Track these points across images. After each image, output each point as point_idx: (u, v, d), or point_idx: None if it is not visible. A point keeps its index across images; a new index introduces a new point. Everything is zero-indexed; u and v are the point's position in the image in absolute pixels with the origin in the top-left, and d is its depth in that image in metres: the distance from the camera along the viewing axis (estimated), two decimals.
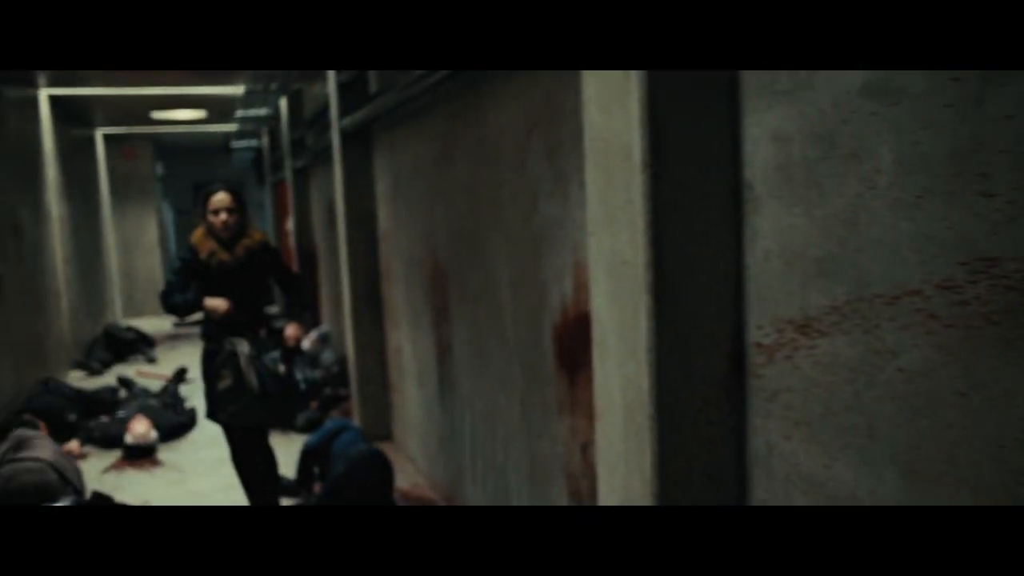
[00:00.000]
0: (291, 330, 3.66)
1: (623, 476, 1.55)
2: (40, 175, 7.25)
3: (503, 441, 2.82)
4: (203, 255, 3.59)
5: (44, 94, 7.53)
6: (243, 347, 3.41)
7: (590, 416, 2.17)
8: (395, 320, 4.40)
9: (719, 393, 1.46)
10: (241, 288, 3.61)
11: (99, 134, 11.02)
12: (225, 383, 3.36)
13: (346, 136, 4.57)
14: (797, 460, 1.33)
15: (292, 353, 3.58)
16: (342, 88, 4.55)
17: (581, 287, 2.16)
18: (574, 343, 2.21)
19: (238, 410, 3.36)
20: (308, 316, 3.80)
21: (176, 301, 3.58)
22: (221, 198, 3.59)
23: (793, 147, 1.29)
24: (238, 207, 3.63)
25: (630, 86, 1.41)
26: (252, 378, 3.32)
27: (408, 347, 4.13)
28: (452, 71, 2.71)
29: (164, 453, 5.09)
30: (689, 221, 1.42)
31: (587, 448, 2.20)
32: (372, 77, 4.42)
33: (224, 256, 3.59)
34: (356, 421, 4.68)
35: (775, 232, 1.35)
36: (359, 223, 4.61)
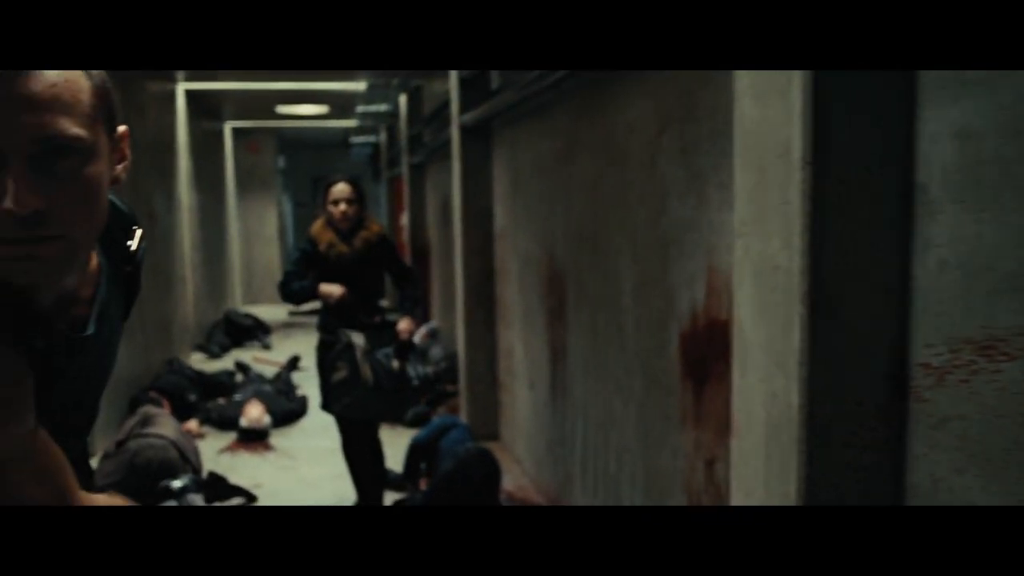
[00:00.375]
0: (404, 324, 3.67)
1: (762, 500, 1.43)
2: (174, 166, 7.58)
3: (617, 450, 2.72)
4: (322, 246, 3.64)
5: (181, 88, 7.87)
6: (359, 340, 3.42)
7: (718, 430, 2.05)
8: (507, 320, 4.35)
9: (877, 416, 1.33)
10: (357, 280, 3.62)
11: (227, 127, 11.47)
12: (340, 375, 3.38)
13: (465, 132, 4.56)
14: (971, 498, 1.19)
15: (405, 348, 3.58)
16: (463, 84, 4.54)
17: (714, 293, 2.03)
18: (703, 352, 2.09)
19: (352, 402, 3.38)
20: (420, 311, 3.81)
21: (293, 288, 3.65)
22: (341, 188, 3.67)
23: (984, 145, 1.14)
24: (358, 198, 3.70)
25: (791, 75, 1.29)
26: (367, 372, 3.34)
27: (520, 347, 4.08)
28: (579, 71, 2.62)
29: (276, 438, 5.21)
30: (852, 225, 1.29)
31: (712, 464, 2.08)
32: (493, 73, 4.39)
33: (342, 248, 3.65)
34: (464, 419, 4.66)
35: (954, 240, 1.21)
36: (475, 221, 4.59)
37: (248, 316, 9.32)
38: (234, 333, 8.76)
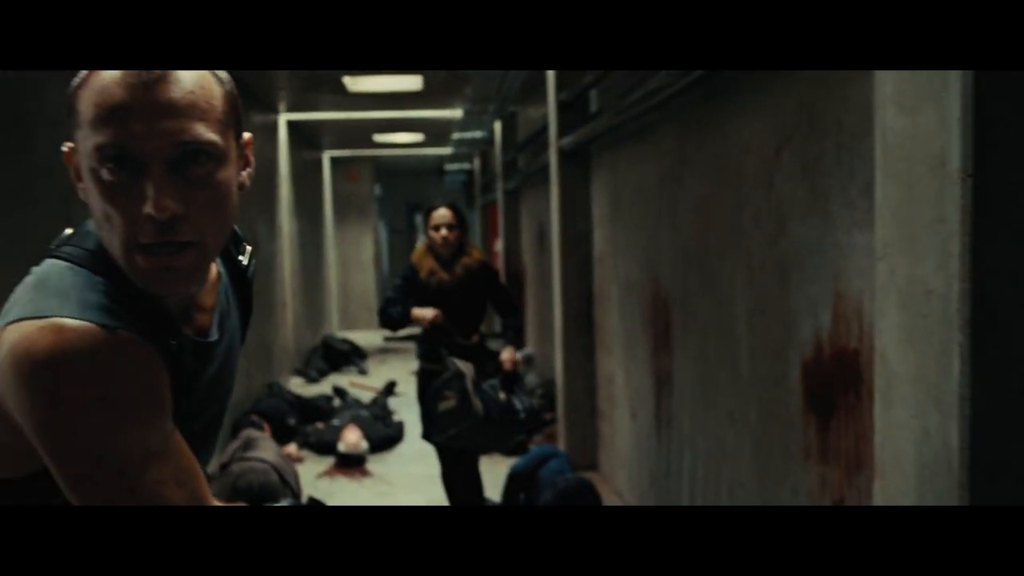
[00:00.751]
0: (508, 354, 3.61)
1: None
2: (275, 194, 7.79)
3: (729, 485, 2.57)
4: (422, 273, 3.63)
5: (283, 119, 8.10)
6: (468, 370, 3.35)
7: (847, 468, 1.90)
8: (607, 346, 4.24)
9: None
10: (458, 308, 3.58)
11: (326, 156, 11.76)
12: (447, 404, 3.30)
13: (564, 156, 4.50)
14: None
15: (511, 379, 3.51)
16: (561, 107, 4.49)
17: (841, 320, 1.89)
18: (830, 382, 1.95)
19: (459, 433, 3.31)
20: (522, 340, 3.73)
21: (391, 314, 3.62)
22: (442, 214, 3.63)
23: None
24: (458, 224, 3.66)
25: (947, 77, 1.17)
26: (477, 403, 3.26)
27: (621, 375, 3.96)
28: (694, 78, 2.53)
29: (373, 464, 5.21)
30: (1020, 244, 1.16)
31: (841, 504, 1.92)
32: (593, 95, 4.32)
33: (443, 275, 3.61)
34: (562, 447, 4.55)
35: None
36: (574, 245, 4.51)
37: (345, 341, 9.46)
38: (331, 358, 8.89)
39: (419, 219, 4.11)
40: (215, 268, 1.13)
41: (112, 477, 0.89)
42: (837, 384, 1.92)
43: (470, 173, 13.03)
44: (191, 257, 0.92)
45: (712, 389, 2.68)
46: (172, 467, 0.93)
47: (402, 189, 15.35)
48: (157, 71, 0.89)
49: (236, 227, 1.23)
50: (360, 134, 9.78)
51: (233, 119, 0.98)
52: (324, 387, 7.68)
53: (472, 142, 9.12)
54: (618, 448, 4.09)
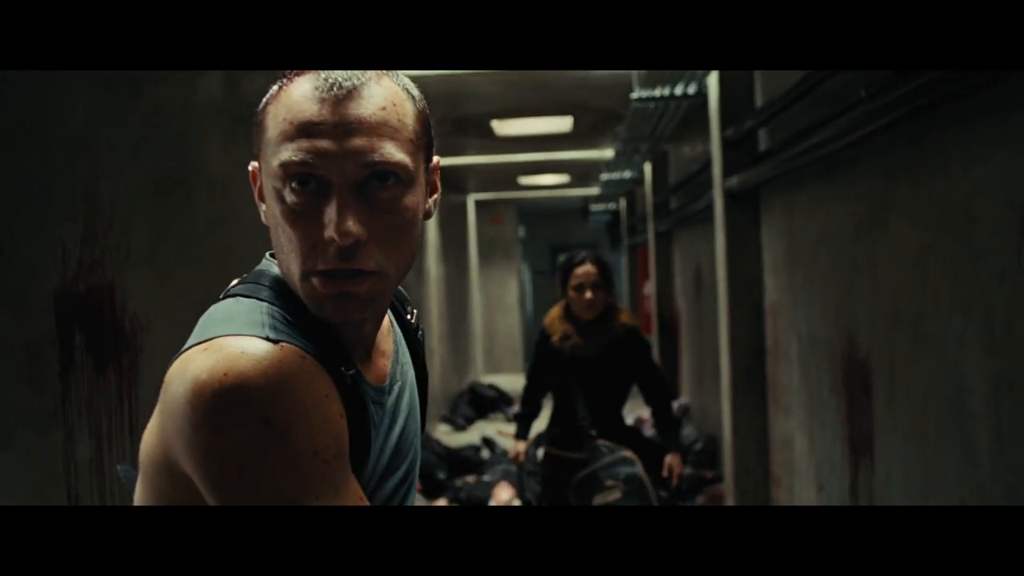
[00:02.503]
0: (676, 463, 3.11)
1: None
2: (423, 238, 7.80)
3: None
4: (555, 338, 3.17)
5: None
6: (637, 467, 2.87)
7: None
8: (784, 406, 3.84)
9: None
10: (596, 382, 3.13)
11: (471, 200, 11.82)
12: (609, 497, 2.84)
13: (730, 198, 4.16)
14: None
15: (671, 488, 3.06)
16: (726, 145, 4.17)
17: None
18: None
19: None
20: (681, 440, 3.31)
21: (521, 413, 3.39)
22: (586, 271, 3.12)
23: None
24: (604, 282, 3.15)
25: None
26: (653, 492, 2.85)
27: (802, 440, 3.55)
28: (905, 111, 2.18)
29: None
30: None
31: None
32: (761, 135, 3.99)
33: (577, 341, 3.13)
34: None
35: None
36: (742, 293, 4.15)
37: (491, 387, 9.35)
38: (478, 404, 8.79)
39: (556, 274, 3.43)
40: (387, 316, 1.06)
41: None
42: None
43: (615, 214, 12.77)
44: (370, 285, 0.85)
45: (935, 474, 2.27)
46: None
47: (545, 230, 15.27)
48: (349, 84, 0.82)
49: (400, 288, 1.16)
50: (505, 176, 9.75)
51: (424, 140, 0.90)
52: (471, 435, 7.55)
53: (620, 182, 8.87)
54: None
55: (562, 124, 6.21)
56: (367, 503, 0.86)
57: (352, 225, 0.81)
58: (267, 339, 0.80)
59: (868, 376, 2.74)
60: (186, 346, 0.83)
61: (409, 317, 1.16)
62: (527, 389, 3.41)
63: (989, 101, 1.90)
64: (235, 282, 0.95)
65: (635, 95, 4.70)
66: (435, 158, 0.96)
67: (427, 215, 0.94)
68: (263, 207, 0.91)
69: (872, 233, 2.67)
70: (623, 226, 11.69)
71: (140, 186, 2.22)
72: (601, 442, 3.02)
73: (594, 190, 10.74)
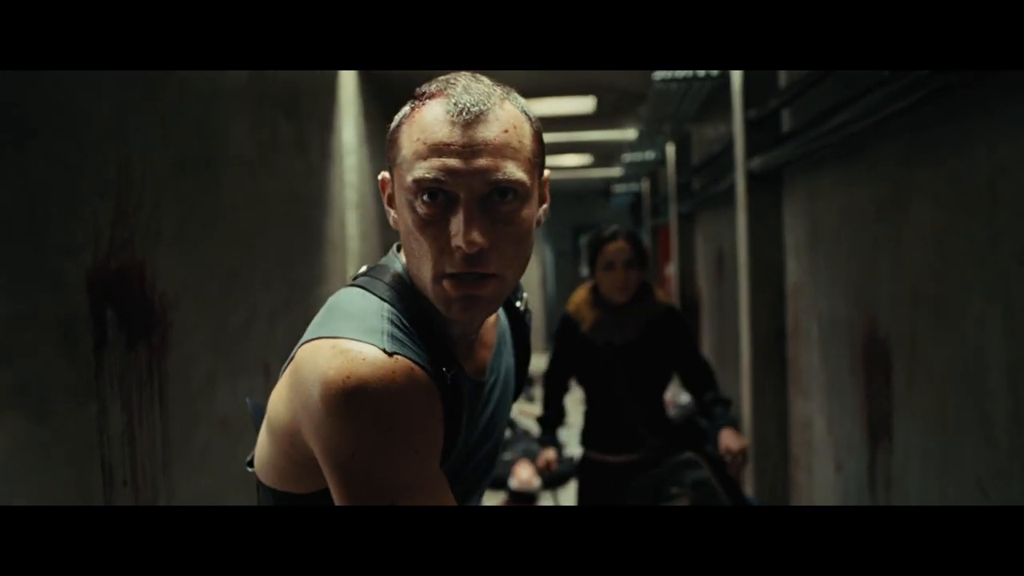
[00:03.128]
0: (735, 441, 2.67)
1: None
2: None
3: None
4: (584, 327, 2.84)
5: None
6: (704, 469, 2.53)
7: None
8: (803, 387, 3.85)
9: None
10: (635, 376, 2.82)
11: None
12: (677, 504, 2.49)
13: (752, 179, 4.15)
14: None
15: (727, 477, 2.61)
16: (749, 126, 4.15)
17: None
18: None
19: None
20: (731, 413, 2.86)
21: (545, 415, 3.07)
22: (619, 248, 2.79)
23: None
24: (639, 260, 2.82)
25: None
26: (725, 497, 2.49)
27: (821, 421, 3.56)
28: (928, 90, 2.17)
29: (545, 501, 5.02)
30: None
31: None
32: (784, 115, 3.97)
33: (614, 330, 2.80)
34: (750, 494, 4.18)
35: None
36: (764, 276, 4.15)
37: None
38: None
39: (582, 252, 3.19)
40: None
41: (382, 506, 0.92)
42: None
43: (638, 195, 12.72)
44: (492, 287, 0.96)
45: (953, 454, 2.28)
46: (426, 503, 0.93)
47: (567, 212, 15.24)
48: (476, 109, 0.93)
49: None
50: None
51: (539, 158, 1.01)
52: None
53: (642, 163, 8.83)
54: (816, 500, 3.68)
55: (584, 104, 6.20)
56: (450, 495, 0.97)
57: (476, 236, 0.92)
58: (384, 350, 0.92)
59: (888, 357, 2.74)
60: (314, 333, 0.96)
61: (519, 304, 1.27)
62: (550, 387, 3.08)
63: (1014, 81, 1.90)
64: (363, 269, 1.08)
65: (658, 75, 4.69)
66: (546, 172, 1.06)
67: (538, 223, 1.04)
68: (392, 213, 1.03)
69: (894, 214, 2.66)
70: (645, 207, 11.65)
71: (168, 167, 2.26)
72: (650, 440, 2.75)
73: (616, 171, 10.70)
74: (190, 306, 2.31)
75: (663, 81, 4.76)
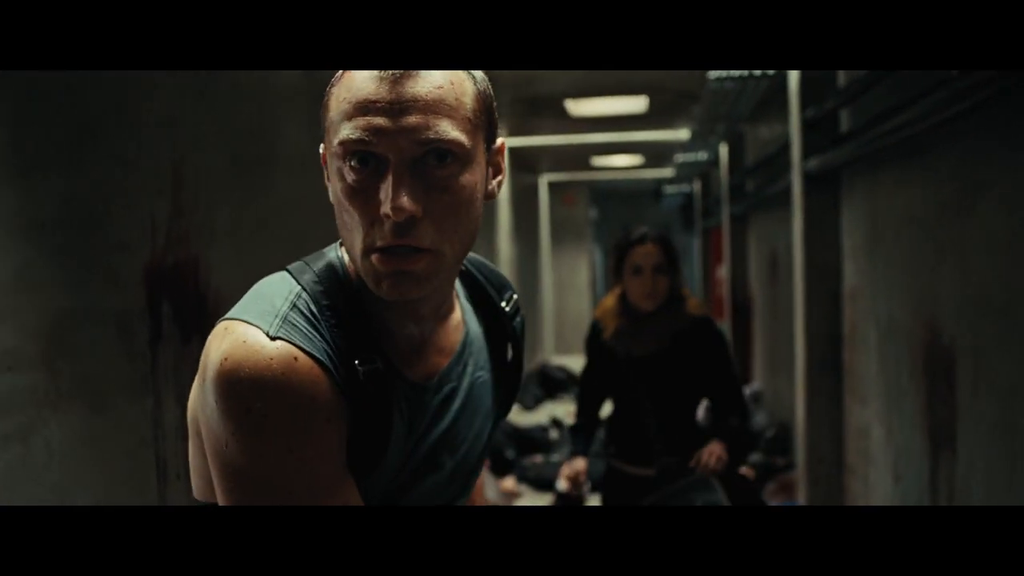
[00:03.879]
0: (713, 455, 2.48)
1: None
2: (495, 219, 7.83)
3: None
4: (607, 335, 2.70)
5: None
6: (718, 493, 2.42)
7: None
8: (860, 394, 3.75)
9: None
10: (662, 388, 2.66)
11: (543, 180, 11.80)
12: None
13: (808, 180, 4.06)
14: None
15: (748, 499, 2.51)
16: (806, 126, 4.07)
17: None
18: None
19: None
20: (747, 448, 2.57)
21: (577, 424, 2.95)
22: (646, 251, 2.61)
23: None
24: (669, 265, 2.64)
25: None
26: None
27: (879, 429, 3.47)
28: (992, 91, 2.09)
29: (594, 502, 4.99)
30: None
31: None
32: (843, 115, 3.88)
33: (635, 341, 2.63)
34: (802, 502, 4.10)
35: None
36: (820, 278, 4.06)
37: (561, 369, 9.36)
38: (548, 385, 8.81)
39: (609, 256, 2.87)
40: (459, 311, 1.06)
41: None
42: None
43: (689, 196, 12.59)
44: (425, 263, 0.86)
45: (1022, 465, 2.19)
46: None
47: (617, 212, 15.17)
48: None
49: (502, 272, 1.18)
50: (578, 158, 9.70)
51: (484, 120, 0.91)
52: (540, 416, 7.58)
53: (695, 164, 8.73)
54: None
55: (637, 104, 6.14)
56: (356, 503, 0.88)
57: (406, 201, 0.82)
58: (267, 333, 0.84)
59: (952, 365, 2.66)
60: (231, 312, 0.89)
61: (504, 304, 1.14)
62: (582, 397, 2.97)
63: None
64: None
65: (712, 75, 4.62)
66: (500, 139, 0.97)
67: (489, 196, 0.94)
68: (330, 188, 0.94)
69: (959, 216, 2.57)
70: (697, 209, 11.52)
71: (223, 166, 2.29)
72: (670, 458, 2.59)
73: (668, 172, 10.60)
74: None
75: (717, 80, 4.69)
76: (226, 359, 0.82)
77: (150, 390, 1.89)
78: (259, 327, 0.84)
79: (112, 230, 1.79)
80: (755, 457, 5.52)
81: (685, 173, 10.04)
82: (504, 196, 8.33)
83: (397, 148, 0.83)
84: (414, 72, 0.84)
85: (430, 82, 0.84)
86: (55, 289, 1.63)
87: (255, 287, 0.93)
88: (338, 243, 0.99)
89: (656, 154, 9.26)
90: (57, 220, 1.64)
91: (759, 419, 6.03)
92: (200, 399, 0.87)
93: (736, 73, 4.59)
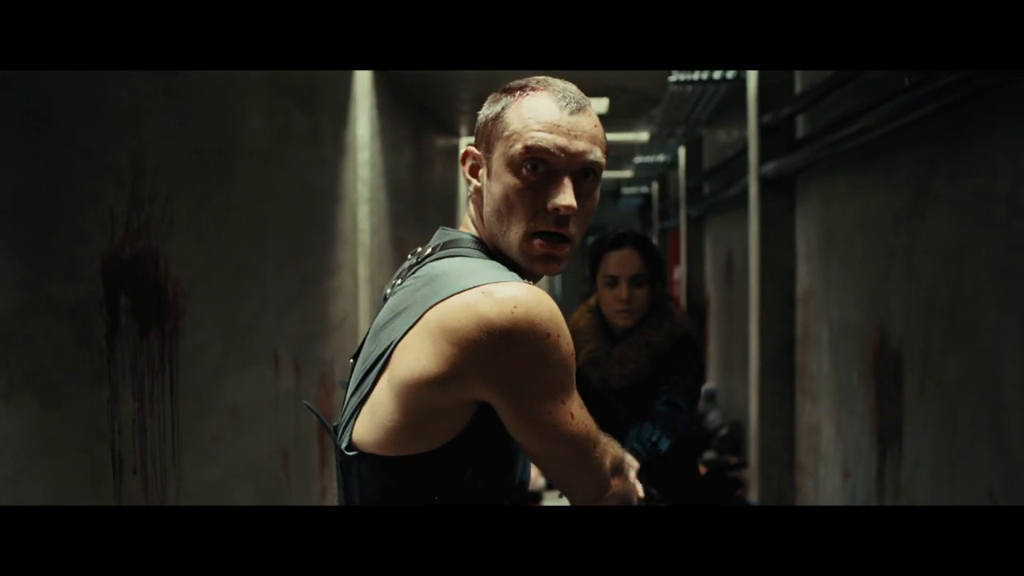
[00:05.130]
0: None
1: None
2: (457, 215, 7.82)
3: None
4: (579, 360, 2.19)
5: (464, 142, 8.15)
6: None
7: None
8: (811, 393, 3.84)
9: None
10: (635, 417, 2.12)
11: None
12: None
13: (765, 184, 4.14)
14: None
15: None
16: (763, 131, 4.14)
17: None
18: None
19: None
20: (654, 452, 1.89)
21: None
22: (623, 258, 2.21)
23: None
24: (650, 274, 2.25)
25: None
26: None
27: (829, 428, 3.55)
28: (949, 101, 2.16)
29: (551, 501, 5.02)
30: None
31: None
32: (800, 121, 3.95)
33: (612, 368, 2.22)
34: (755, 500, 4.17)
35: None
36: (774, 280, 4.14)
37: None
38: None
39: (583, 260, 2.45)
40: None
41: (592, 434, 1.11)
42: None
43: (647, 197, 12.70)
44: (567, 250, 1.13)
45: (965, 464, 2.27)
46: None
47: None
48: (578, 104, 1.13)
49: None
50: None
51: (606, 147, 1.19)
52: None
53: (653, 166, 8.82)
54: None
55: (597, 105, 6.19)
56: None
57: (574, 200, 1.09)
58: (525, 282, 1.03)
59: (900, 365, 2.73)
60: (442, 295, 1.02)
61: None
62: None
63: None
64: (429, 248, 1.17)
65: (673, 78, 4.68)
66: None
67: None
68: (474, 182, 1.18)
69: (910, 222, 2.65)
70: (655, 210, 11.63)
71: (184, 156, 2.26)
72: (654, 490, 2.07)
73: (627, 173, 10.69)
74: (202, 295, 2.31)
75: (678, 83, 4.75)
76: (515, 306, 0.98)
77: (106, 383, 1.86)
78: (514, 281, 1.03)
79: (69, 220, 1.76)
80: (708, 455, 5.61)
81: (643, 175, 10.14)
82: (464, 193, 8.32)
83: (569, 162, 1.10)
84: (583, 110, 1.13)
85: (591, 120, 1.13)
86: (8, 279, 1.60)
87: (445, 270, 1.07)
88: (467, 235, 1.18)
89: (615, 155, 9.32)
90: (12, 209, 1.61)
91: (713, 418, 6.12)
92: (466, 368, 0.98)
93: (696, 76, 4.65)
